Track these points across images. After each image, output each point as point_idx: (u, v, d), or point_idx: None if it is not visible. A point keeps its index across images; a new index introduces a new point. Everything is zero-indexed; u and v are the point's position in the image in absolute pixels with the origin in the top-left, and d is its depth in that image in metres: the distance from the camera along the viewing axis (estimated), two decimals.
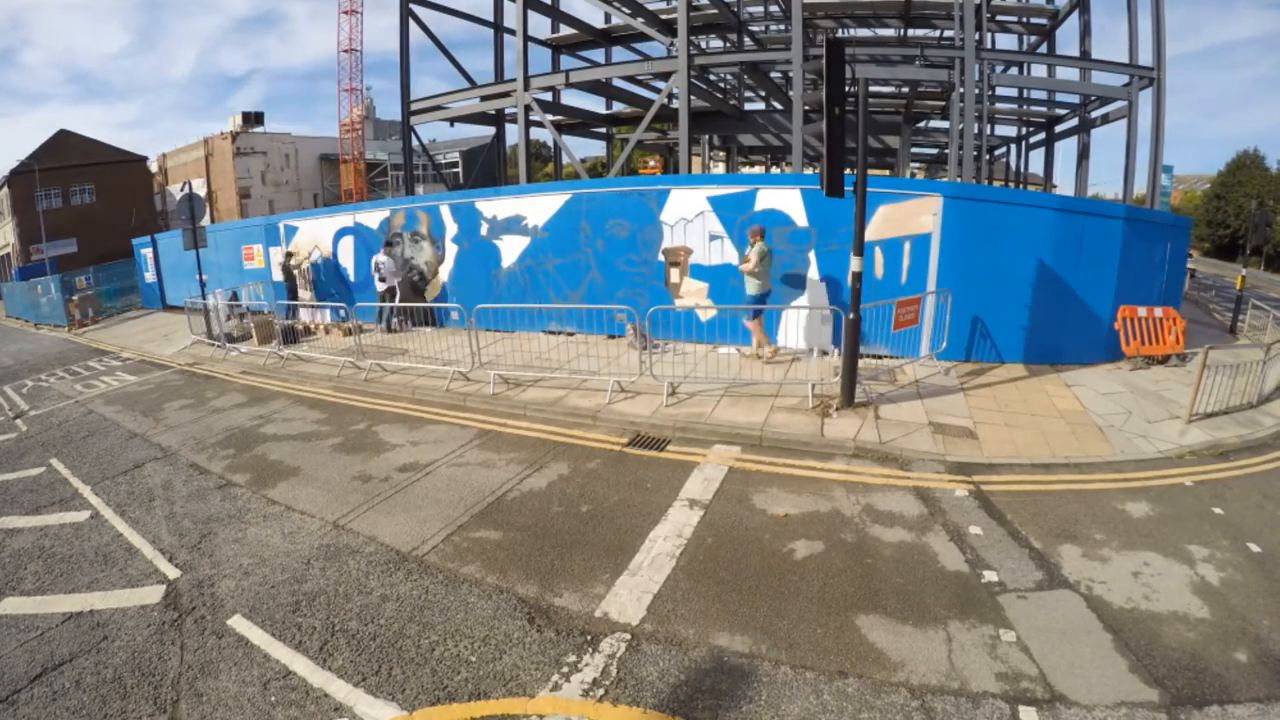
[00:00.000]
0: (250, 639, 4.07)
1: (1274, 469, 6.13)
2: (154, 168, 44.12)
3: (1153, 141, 15.13)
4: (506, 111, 18.20)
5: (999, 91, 20.48)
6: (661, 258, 10.86)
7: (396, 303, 12.99)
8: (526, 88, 14.88)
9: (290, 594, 4.55)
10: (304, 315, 14.47)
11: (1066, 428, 6.91)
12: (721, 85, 22.27)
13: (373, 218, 14.12)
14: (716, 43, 21.14)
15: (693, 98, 14.41)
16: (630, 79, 17.88)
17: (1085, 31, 18.13)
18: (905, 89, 20.82)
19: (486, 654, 3.81)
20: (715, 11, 16.41)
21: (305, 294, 14.57)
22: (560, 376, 9.05)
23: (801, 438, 6.75)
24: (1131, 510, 5.29)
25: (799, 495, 5.67)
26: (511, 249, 12.22)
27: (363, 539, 5.26)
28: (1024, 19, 19.85)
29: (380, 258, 12.93)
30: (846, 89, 6.73)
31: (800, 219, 9.75)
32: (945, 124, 18.85)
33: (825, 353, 9.23)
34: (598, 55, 20.96)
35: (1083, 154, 19.19)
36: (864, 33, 20.64)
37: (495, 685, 3.56)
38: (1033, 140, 24.51)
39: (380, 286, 12.91)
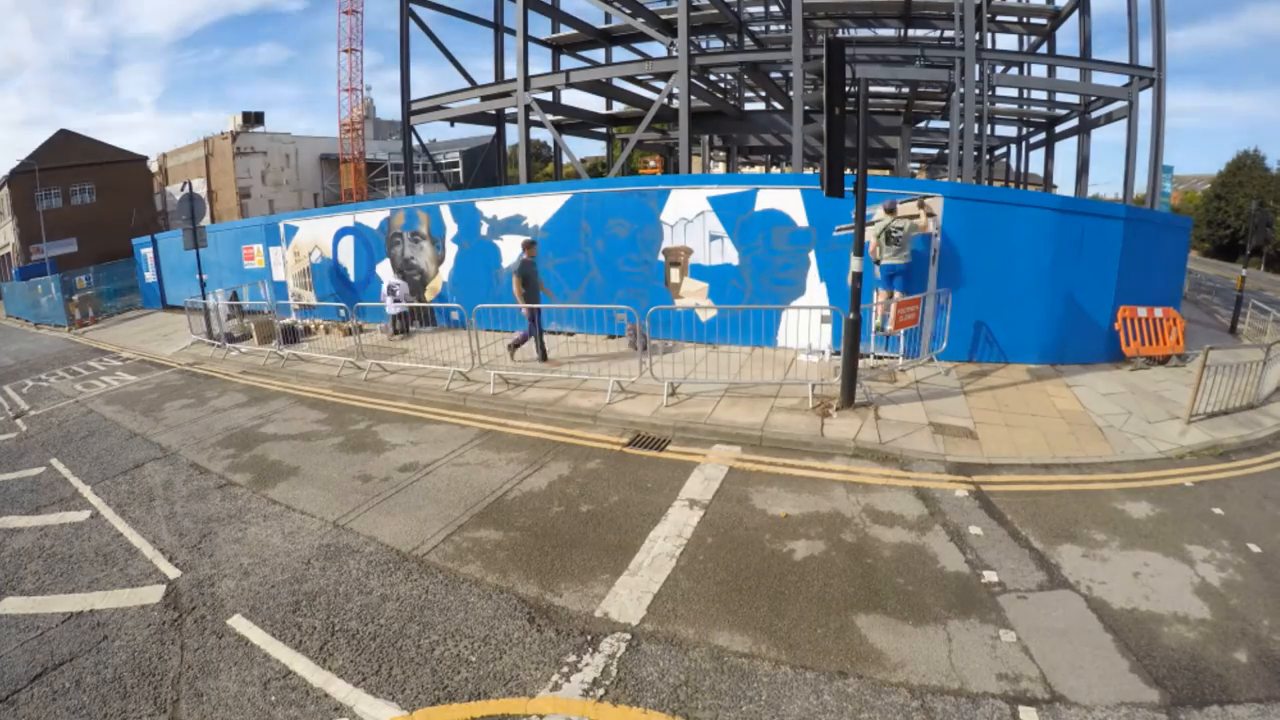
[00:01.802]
0: (250, 639, 4.07)
1: (1274, 469, 6.13)
2: (154, 168, 44.13)
3: (1153, 142, 15.12)
4: (506, 111, 18.17)
5: (999, 91, 20.44)
6: (662, 257, 10.86)
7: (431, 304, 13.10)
8: (527, 88, 14.87)
9: (290, 594, 4.55)
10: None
11: (1066, 428, 6.91)
12: (721, 85, 22.25)
13: (373, 218, 14.12)
14: (716, 43, 21.10)
15: (693, 98, 14.41)
16: (630, 79, 17.85)
17: (1085, 32, 18.12)
18: (905, 89, 20.80)
19: (486, 654, 3.81)
20: (715, 11, 16.39)
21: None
22: (560, 376, 9.04)
23: (802, 438, 6.75)
24: (1131, 510, 5.29)
25: (799, 495, 5.67)
26: (512, 249, 12.22)
27: (363, 539, 5.26)
28: (1024, 19, 19.82)
29: (395, 280, 13.12)
30: (846, 89, 6.73)
31: (800, 219, 9.75)
32: (945, 124, 18.83)
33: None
34: (598, 55, 20.93)
35: (1083, 154, 19.18)
36: (864, 33, 20.59)
37: (495, 685, 3.56)
38: (1033, 140, 24.47)
39: (393, 309, 12.79)
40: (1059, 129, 21.59)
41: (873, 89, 22.29)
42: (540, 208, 11.77)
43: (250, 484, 6.58)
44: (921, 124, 24.80)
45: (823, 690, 3.43)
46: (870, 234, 8.67)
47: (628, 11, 15.67)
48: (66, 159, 37.64)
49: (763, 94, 21.47)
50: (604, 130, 22.49)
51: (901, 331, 8.76)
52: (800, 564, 4.61)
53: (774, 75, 20.20)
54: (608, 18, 19.10)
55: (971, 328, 9.19)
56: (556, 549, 4.94)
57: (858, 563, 4.60)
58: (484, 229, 12.49)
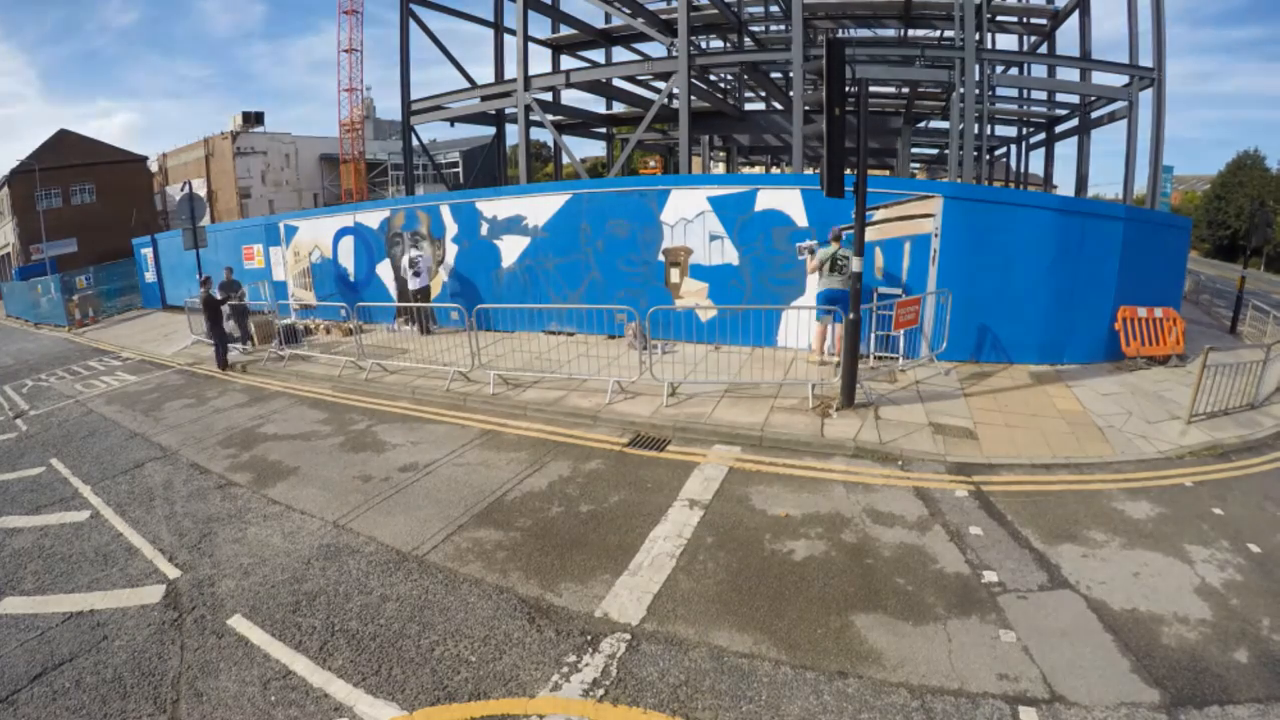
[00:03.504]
0: (250, 639, 4.07)
1: (1274, 469, 6.13)
2: (154, 168, 44.13)
3: (1153, 142, 15.13)
4: (507, 111, 18.17)
5: (999, 92, 20.46)
6: (662, 258, 10.87)
7: (431, 302, 12.61)
8: (527, 88, 14.87)
9: (290, 594, 4.55)
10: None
11: (1066, 428, 6.91)
12: (722, 85, 22.24)
13: (373, 218, 14.12)
14: (716, 43, 21.11)
15: (693, 98, 14.40)
16: (630, 79, 17.87)
17: (1085, 32, 18.13)
18: (905, 89, 20.82)
19: (486, 654, 3.81)
20: (715, 12, 16.39)
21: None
22: (560, 376, 9.04)
23: (802, 438, 6.75)
24: (1132, 510, 5.29)
25: (799, 495, 5.66)
26: (512, 249, 12.22)
27: (363, 539, 5.26)
28: (1024, 19, 19.84)
29: (416, 252, 12.70)
30: (846, 89, 6.73)
31: (800, 219, 9.75)
32: (945, 124, 18.83)
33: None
34: (598, 55, 20.93)
35: (1083, 154, 19.18)
36: (864, 33, 20.60)
37: (495, 685, 3.56)
38: (1033, 141, 24.48)
39: (415, 284, 12.48)
40: (1059, 129, 21.59)
41: (873, 89, 22.29)
42: (540, 208, 11.77)
43: (250, 484, 6.57)
44: (921, 124, 24.80)
45: (823, 690, 3.43)
46: (815, 260, 8.87)
47: (628, 11, 15.67)
48: (66, 159, 37.60)
49: (763, 94, 21.47)
50: (604, 130, 22.50)
51: (901, 332, 8.75)
52: (800, 564, 4.61)
53: (774, 75, 20.21)
54: (608, 18, 19.10)
55: (972, 328, 9.19)
56: (556, 549, 4.94)
57: (858, 563, 4.60)
58: (484, 229, 12.49)
